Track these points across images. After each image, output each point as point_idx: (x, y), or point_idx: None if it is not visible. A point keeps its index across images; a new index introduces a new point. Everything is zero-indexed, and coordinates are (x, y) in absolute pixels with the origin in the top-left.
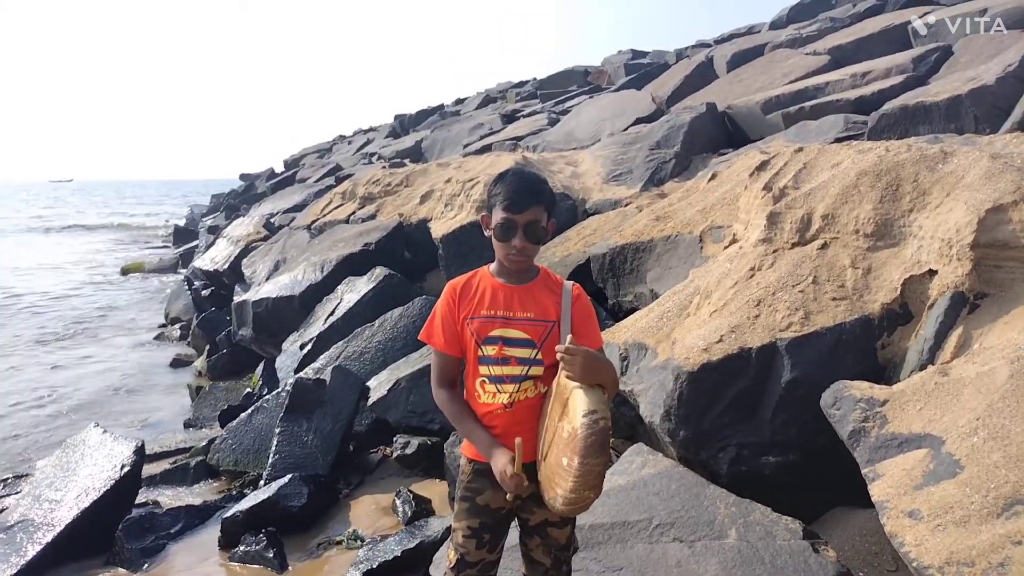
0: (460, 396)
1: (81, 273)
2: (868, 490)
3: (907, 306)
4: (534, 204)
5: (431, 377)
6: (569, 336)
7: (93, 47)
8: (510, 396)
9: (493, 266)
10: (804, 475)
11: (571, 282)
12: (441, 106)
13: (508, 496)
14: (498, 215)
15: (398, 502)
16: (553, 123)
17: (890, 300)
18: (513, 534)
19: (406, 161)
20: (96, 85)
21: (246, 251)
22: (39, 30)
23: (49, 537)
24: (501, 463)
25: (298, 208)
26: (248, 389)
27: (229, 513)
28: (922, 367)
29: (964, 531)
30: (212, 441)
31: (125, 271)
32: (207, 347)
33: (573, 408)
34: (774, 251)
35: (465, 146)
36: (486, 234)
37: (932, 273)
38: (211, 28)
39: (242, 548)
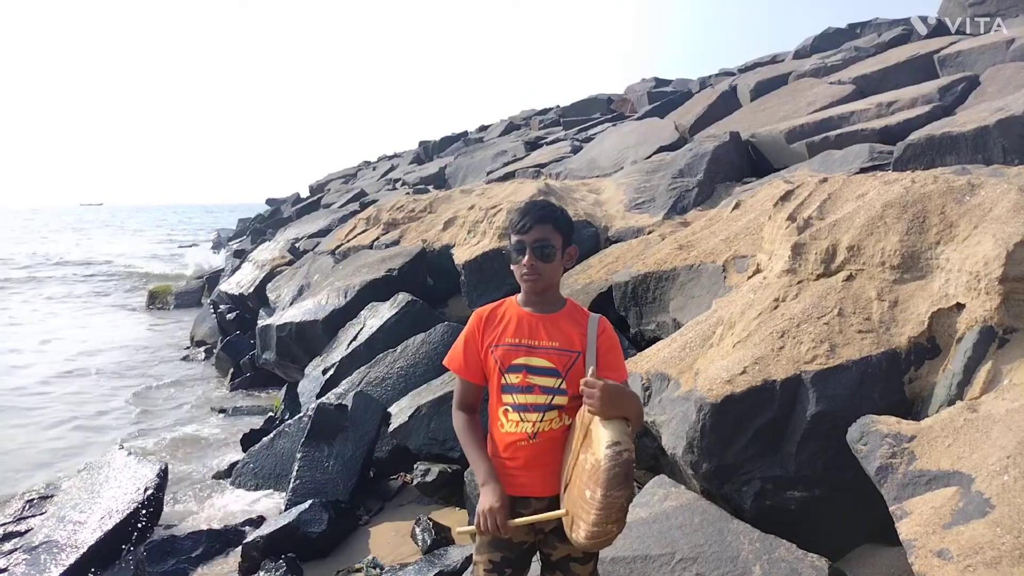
0: (476, 422)
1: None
2: (896, 528)
3: (935, 340)
4: (539, 223)
5: (453, 401)
6: (592, 368)
7: (126, 73)
8: (534, 426)
9: (520, 296)
10: (830, 511)
11: (598, 315)
12: (465, 133)
13: (479, 528)
14: (511, 240)
15: (417, 530)
16: (576, 151)
17: (917, 334)
18: (534, 568)
19: (429, 187)
20: (127, 110)
21: (271, 275)
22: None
23: (72, 559)
24: (489, 500)
25: (323, 233)
26: (270, 413)
27: (249, 538)
28: (950, 402)
29: (995, 573)
30: (234, 465)
31: (152, 295)
32: (231, 370)
33: (596, 439)
34: (799, 282)
35: (488, 173)
36: (512, 268)
37: (960, 307)
38: (239, 56)
39: (262, 574)
